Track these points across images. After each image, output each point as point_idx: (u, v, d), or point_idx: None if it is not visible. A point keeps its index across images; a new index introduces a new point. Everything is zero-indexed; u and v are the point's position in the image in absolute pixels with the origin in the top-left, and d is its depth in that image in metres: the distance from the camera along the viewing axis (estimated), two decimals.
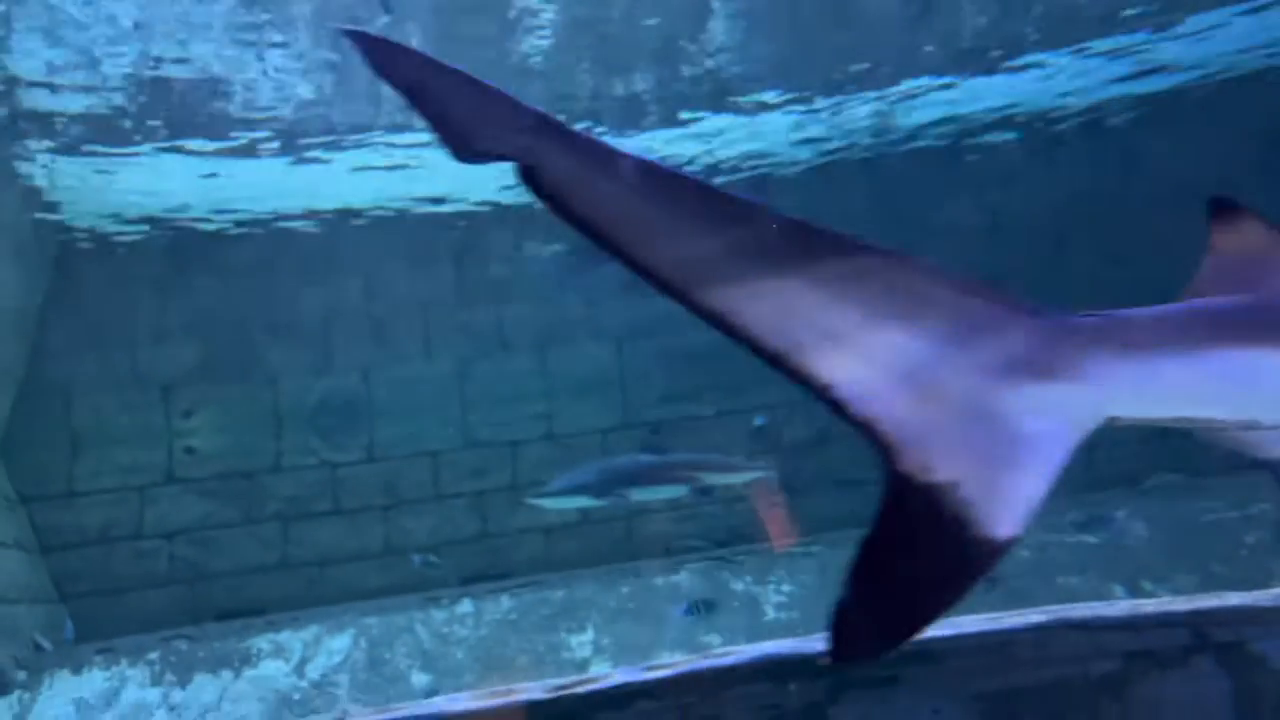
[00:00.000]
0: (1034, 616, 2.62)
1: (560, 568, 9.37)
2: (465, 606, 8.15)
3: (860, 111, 9.73)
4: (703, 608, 7.45)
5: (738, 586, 7.78)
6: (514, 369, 10.22)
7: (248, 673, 7.28)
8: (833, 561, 7.19)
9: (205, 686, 7.08)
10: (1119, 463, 7.59)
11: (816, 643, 2.14)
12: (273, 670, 7.32)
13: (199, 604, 9.04)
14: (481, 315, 10.27)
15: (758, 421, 9.52)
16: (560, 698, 3.03)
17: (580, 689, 3.07)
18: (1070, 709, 2.37)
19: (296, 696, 7.12)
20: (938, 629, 2.13)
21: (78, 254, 9.54)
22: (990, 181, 10.41)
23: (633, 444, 10.19)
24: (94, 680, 7.10)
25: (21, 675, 7.08)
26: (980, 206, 10.25)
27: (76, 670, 7.21)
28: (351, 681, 7.19)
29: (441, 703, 3.06)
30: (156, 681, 7.10)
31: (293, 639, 7.67)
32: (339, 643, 7.64)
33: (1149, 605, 2.69)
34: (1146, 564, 7.33)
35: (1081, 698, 2.37)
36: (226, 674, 7.24)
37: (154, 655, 7.40)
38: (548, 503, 8.30)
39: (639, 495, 8.61)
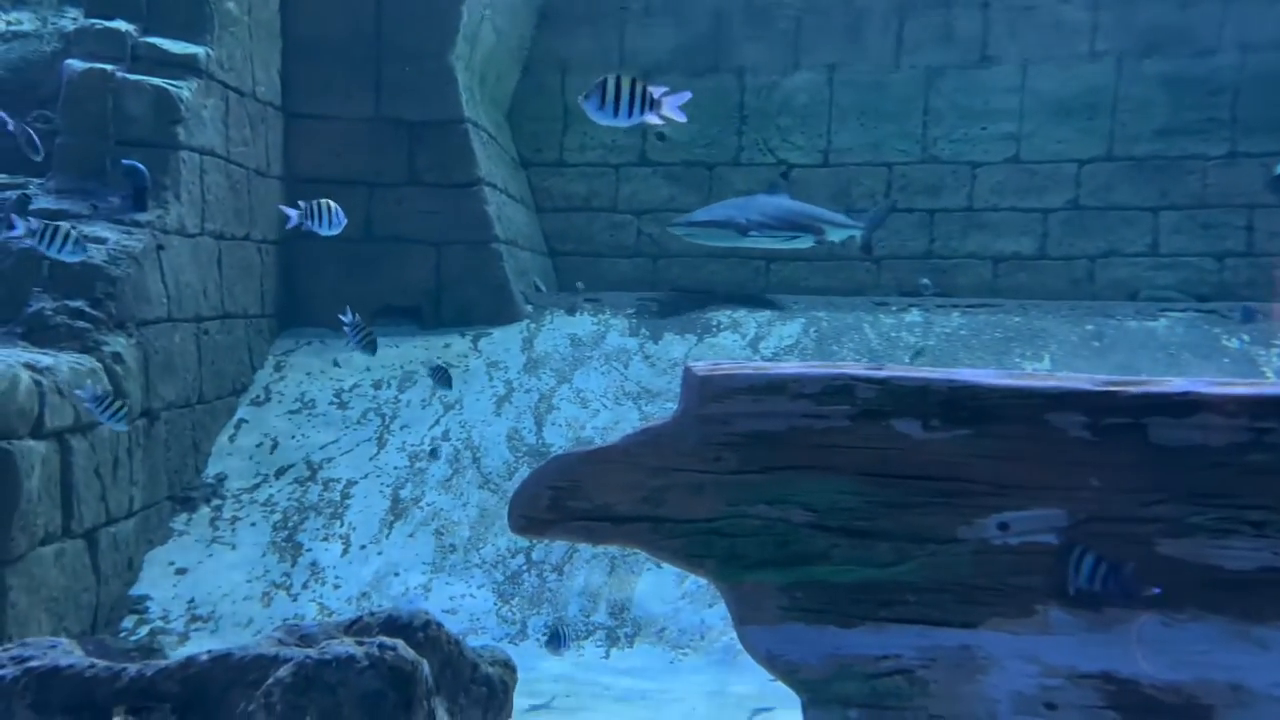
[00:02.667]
0: None
1: (1008, 297, 9.01)
2: (914, 316, 8.16)
3: None
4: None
5: (1231, 344, 6.99)
6: (988, 80, 9.46)
7: (708, 339, 7.91)
8: None
9: (673, 344, 7.82)
10: None
11: None
12: (729, 341, 7.89)
13: (659, 277, 9.88)
14: (962, 19, 9.48)
15: None
16: (1110, 393, 2.90)
17: (1133, 389, 2.91)
18: None
19: None
20: None
21: None
22: None
23: (1113, 179, 9.25)
24: (584, 323, 8.10)
25: (529, 308, 8.26)
26: None
27: (570, 312, 8.26)
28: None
29: (975, 374, 3.04)
30: (634, 333, 7.95)
31: (748, 318, 8.18)
32: (789, 329, 8.03)
33: None
34: None
35: None
36: (690, 337, 7.92)
37: (630, 311, 8.26)
38: (680, 231, 8.06)
39: (770, 242, 8.15)
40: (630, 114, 2.98)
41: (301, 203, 4.62)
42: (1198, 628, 2.77)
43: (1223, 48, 8.89)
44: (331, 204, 4.66)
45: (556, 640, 4.86)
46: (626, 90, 2.97)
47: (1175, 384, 2.86)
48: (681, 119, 3.07)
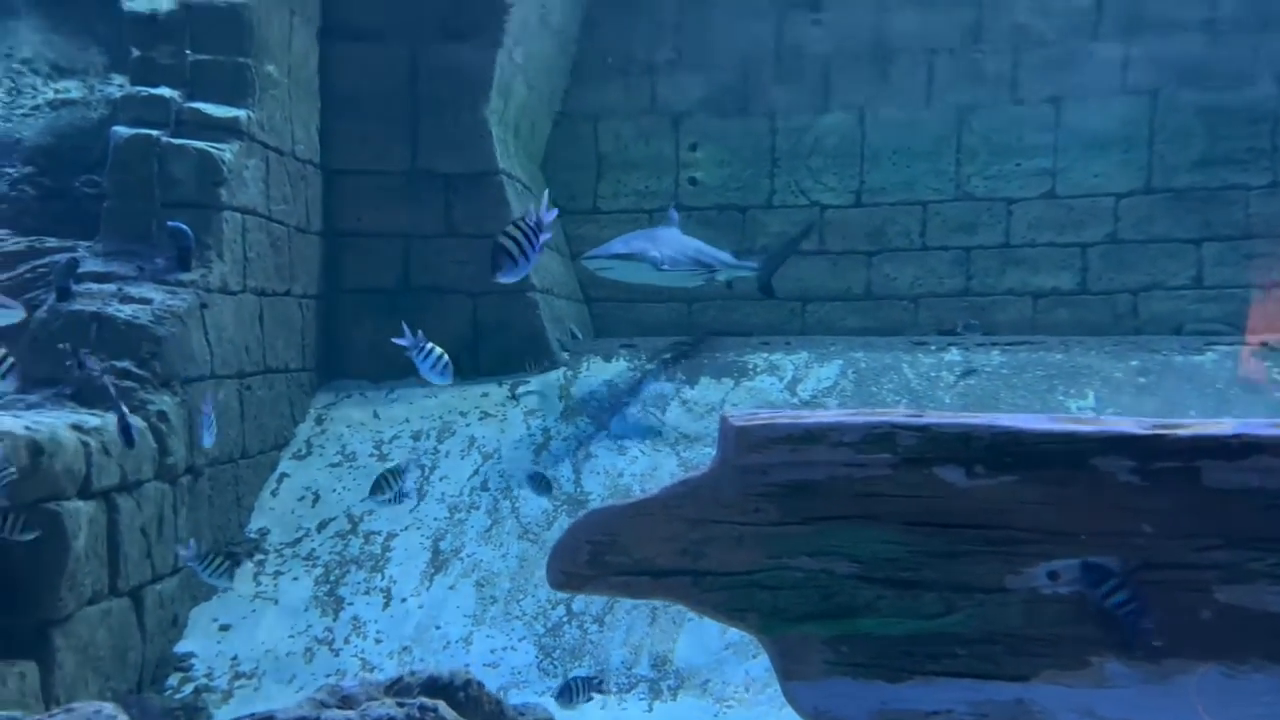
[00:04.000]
0: None
1: (1048, 333, 8.90)
2: (953, 355, 8.07)
3: None
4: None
5: None
6: (1020, 116, 9.43)
7: (745, 383, 7.88)
8: None
9: (709, 389, 7.80)
10: None
11: None
12: (767, 385, 7.85)
13: (694, 321, 9.88)
14: (992, 56, 9.48)
15: None
16: (1158, 436, 2.83)
17: (1184, 431, 2.83)
18: None
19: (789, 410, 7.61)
20: None
21: None
22: None
23: (1153, 211, 9.14)
24: (619, 368, 8.11)
25: (565, 355, 8.29)
26: None
27: (606, 358, 8.27)
28: (840, 406, 7.50)
29: (1019, 419, 2.99)
30: (670, 378, 7.94)
31: (785, 360, 8.14)
32: (827, 371, 7.98)
33: None
34: None
35: None
36: (727, 381, 7.89)
37: (666, 355, 8.25)
38: (593, 266, 7.34)
39: (679, 280, 7.67)
40: (532, 254, 3.43)
41: (420, 335, 4.63)
42: (1262, 679, 2.68)
43: (1259, 77, 8.79)
44: (443, 355, 4.64)
45: (568, 694, 4.68)
46: (523, 238, 3.40)
47: (1228, 426, 2.79)
48: (552, 215, 3.47)
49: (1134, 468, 2.76)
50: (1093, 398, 7.24)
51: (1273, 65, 8.79)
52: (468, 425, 7.42)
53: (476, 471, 6.99)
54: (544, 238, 3.47)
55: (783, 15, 9.76)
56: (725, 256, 8.22)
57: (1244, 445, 2.72)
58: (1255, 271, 8.78)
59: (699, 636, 5.53)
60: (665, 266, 7.24)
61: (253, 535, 6.50)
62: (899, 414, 2.92)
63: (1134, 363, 7.52)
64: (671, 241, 7.62)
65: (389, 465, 6.56)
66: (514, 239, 3.40)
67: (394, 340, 4.60)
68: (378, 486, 5.56)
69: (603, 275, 7.48)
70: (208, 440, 5.32)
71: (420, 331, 4.66)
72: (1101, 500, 2.77)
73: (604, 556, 2.98)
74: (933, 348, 8.22)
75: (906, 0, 9.64)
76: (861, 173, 9.82)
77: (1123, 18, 9.15)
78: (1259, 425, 2.85)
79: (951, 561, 2.87)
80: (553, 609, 5.83)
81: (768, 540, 2.94)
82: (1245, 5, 8.91)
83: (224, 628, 5.75)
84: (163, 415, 5.55)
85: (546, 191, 3.80)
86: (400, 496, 6.02)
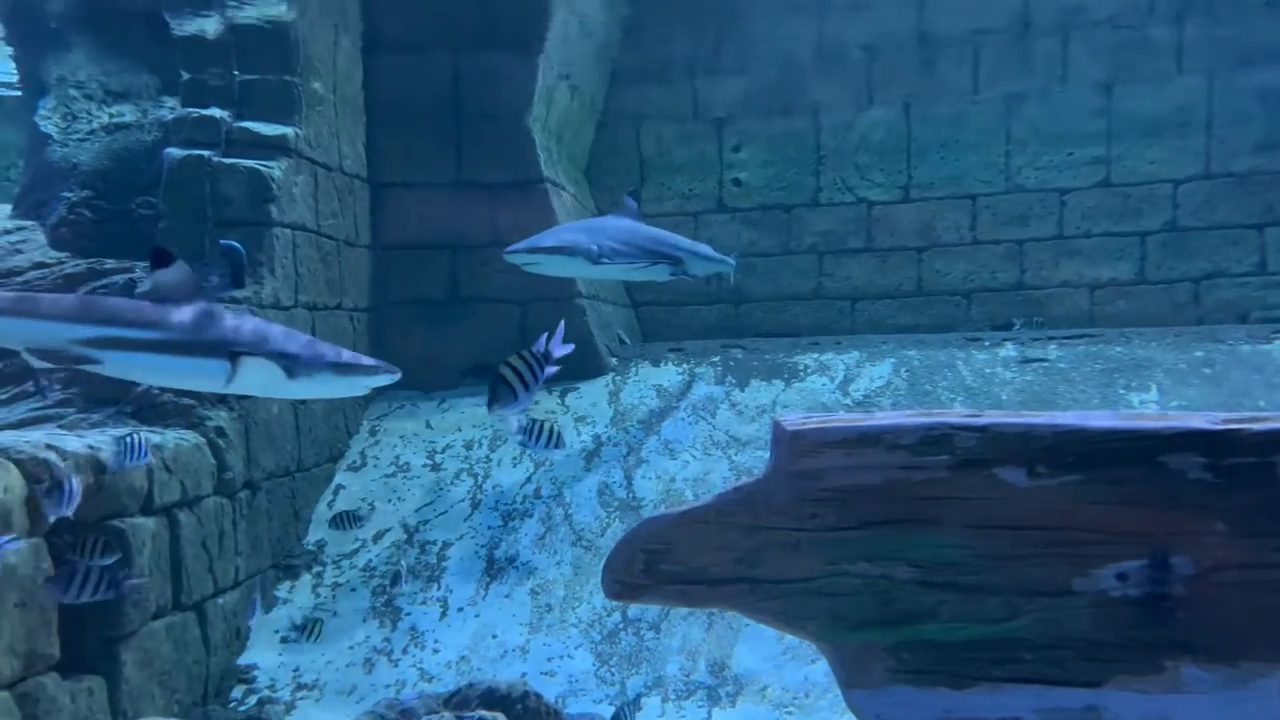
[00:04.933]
0: None
1: (1106, 325, 8.70)
2: (1008, 350, 7.91)
3: None
4: None
5: None
6: (1071, 104, 9.23)
7: (796, 384, 7.80)
8: None
9: (760, 391, 7.73)
10: None
11: None
12: (818, 385, 7.76)
13: (741, 322, 9.82)
14: (1040, 43, 9.29)
15: None
16: (1231, 431, 2.72)
17: (1257, 426, 2.72)
18: None
19: (841, 411, 7.51)
20: None
21: None
22: None
23: (1213, 196, 8.90)
24: (669, 373, 8.08)
25: (613, 361, 8.28)
26: None
27: (655, 363, 8.25)
28: (893, 405, 7.39)
29: (1082, 417, 2.89)
30: (720, 381, 7.89)
31: (836, 360, 8.04)
32: (880, 369, 7.86)
33: None
34: None
35: None
36: (778, 383, 7.82)
37: (716, 359, 8.21)
38: (518, 260, 6.49)
39: (623, 273, 6.96)
40: (534, 386, 3.40)
41: (522, 420, 4.67)
42: None
43: None
44: (553, 428, 4.65)
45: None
46: (527, 370, 3.38)
47: None
48: (568, 350, 3.46)
49: (1205, 464, 2.66)
50: (1156, 390, 7.05)
51: None
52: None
53: (529, 479, 7.00)
54: (549, 371, 3.38)
55: (822, 9, 9.66)
56: (698, 247, 7.55)
57: None
58: None
59: (757, 642, 5.47)
60: (603, 260, 6.46)
61: (310, 547, 6.58)
62: (957, 414, 2.85)
63: (1198, 353, 7.31)
64: (616, 231, 6.76)
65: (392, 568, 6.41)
66: (516, 370, 3.32)
67: (512, 438, 4.62)
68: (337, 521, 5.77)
69: (531, 271, 6.61)
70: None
71: (519, 418, 4.62)
72: (1172, 499, 2.68)
73: (659, 565, 2.95)
74: (987, 343, 8.07)
75: None
76: (909, 168, 9.69)
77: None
78: None
79: (1015, 565, 2.79)
80: (608, 616, 5.81)
81: (825, 546, 2.89)
82: None
83: (285, 639, 5.82)
84: (220, 430, 5.63)
85: (562, 323, 3.66)
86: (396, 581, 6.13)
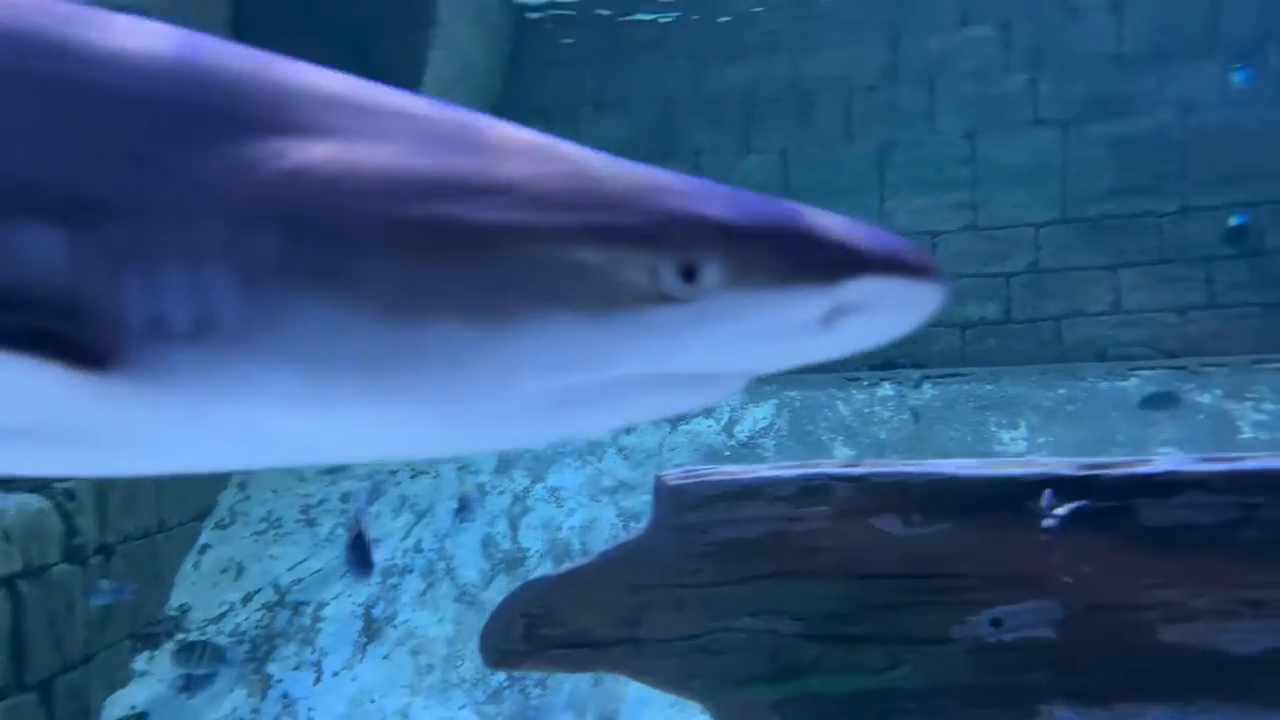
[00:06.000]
0: None
1: (978, 364, 9.02)
2: (886, 390, 8.11)
3: None
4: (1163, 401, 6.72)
5: (1203, 399, 6.98)
6: (940, 151, 9.63)
7: (682, 427, 7.80)
8: None
9: (647, 434, 7.70)
10: None
11: None
12: (704, 427, 7.79)
13: None
14: (908, 95, 9.69)
15: (1235, 220, 8.26)
16: (1093, 476, 2.82)
17: (1116, 470, 2.82)
18: None
19: (726, 453, 7.55)
20: None
21: (528, 26, 10.11)
22: None
23: (1069, 239, 9.37)
24: None
25: None
26: None
27: None
28: (776, 446, 7.47)
29: (954, 466, 2.96)
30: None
31: (720, 403, 8.09)
32: (763, 411, 7.94)
33: None
34: None
35: None
36: (664, 425, 7.80)
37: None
38: None
39: None
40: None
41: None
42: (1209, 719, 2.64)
43: (1163, 107, 9.09)
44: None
45: None
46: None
47: (1159, 464, 2.78)
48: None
49: (1070, 509, 2.72)
50: (1024, 427, 7.31)
51: (1175, 94, 9.10)
52: (398, 484, 7.20)
53: (409, 533, 6.77)
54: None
55: (702, 58, 9.86)
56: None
57: (1174, 483, 2.72)
58: (1171, 295, 9.02)
59: (646, 694, 5.37)
60: None
61: (173, 613, 6.18)
62: (834, 465, 2.87)
63: (1062, 390, 7.64)
64: None
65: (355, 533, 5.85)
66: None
67: None
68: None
69: None
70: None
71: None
72: (1040, 544, 2.73)
73: (540, 630, 2.85)
74: (865, 383, 8.26)
75: (824, 42, 9.84)
76: None
77: (1030, 52, 9.44)
78: (1188, 460, 2.85)
79: (894, 614, 2.80)
80: (492, 675, 5.62)
81: (709, 602, 2.85)
82: (1144, 39, 9.25)
83: (140, 716, 5.43)
84: (70, 494, 5.26)
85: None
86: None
